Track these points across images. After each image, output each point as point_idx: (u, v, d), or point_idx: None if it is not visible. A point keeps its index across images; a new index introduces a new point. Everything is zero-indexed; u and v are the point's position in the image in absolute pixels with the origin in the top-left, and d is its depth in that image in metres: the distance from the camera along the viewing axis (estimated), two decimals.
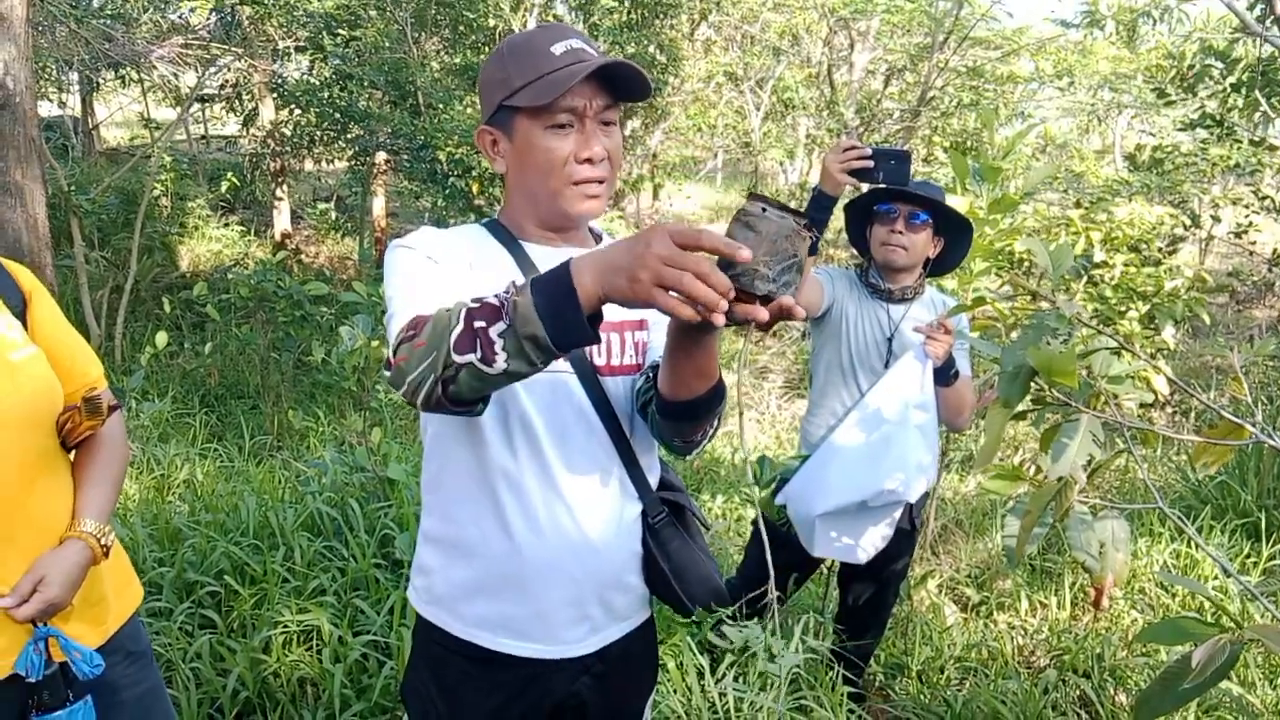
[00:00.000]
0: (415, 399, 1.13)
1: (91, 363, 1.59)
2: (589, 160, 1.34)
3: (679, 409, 1.31)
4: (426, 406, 1.14)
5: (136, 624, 1.63)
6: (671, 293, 0.96)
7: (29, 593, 1.37)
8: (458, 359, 1.06)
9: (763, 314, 1.00)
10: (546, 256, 1.42)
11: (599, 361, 1.43)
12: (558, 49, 1.32)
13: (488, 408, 1.29)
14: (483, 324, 1.05)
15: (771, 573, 1.59)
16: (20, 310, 1.49)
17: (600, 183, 1.36)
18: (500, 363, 1.05)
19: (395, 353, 1.16)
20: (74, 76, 13.23)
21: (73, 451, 1.57)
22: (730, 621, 2.74)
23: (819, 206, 2.30)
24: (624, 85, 1.35)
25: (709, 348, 1.23)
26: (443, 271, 1.34)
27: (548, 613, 1.43)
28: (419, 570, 1.54)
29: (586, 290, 1.01)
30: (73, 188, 8.13)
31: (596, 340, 1.04)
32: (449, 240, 1.41)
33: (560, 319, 1.01)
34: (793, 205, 0.99)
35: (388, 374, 1.18)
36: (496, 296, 1.07)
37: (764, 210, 1.01)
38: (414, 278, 1.33)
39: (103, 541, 1.48)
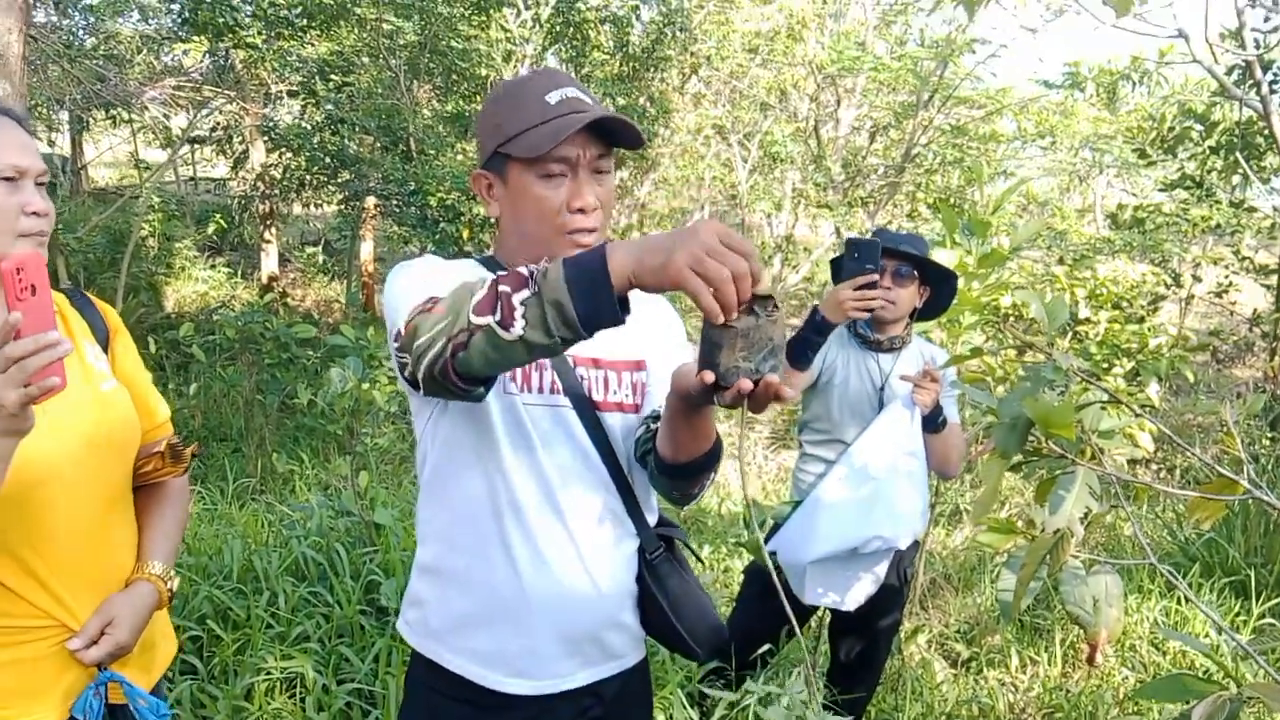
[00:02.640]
0: (419, 367, 1.14)
1: (162, 404, 1.61)
2: (581, 210, 1.35)
3: (678, 469, 1.36)
4: (429, 378, 1.14)
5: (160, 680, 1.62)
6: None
7: (97, 634, 1.35)
8: (475, 320, 1.07)
9: (747, 384, 1.04)
10: None
11: (596, 396, 1.44)
12: (553, 98, 1.34)
13: (490, 436, 1.34)
14: (507, 289, 1.06)
15: (788, 611, 1.59)
16: (105, 344, 1.51)
17: (592, 231, 1.37)
18: (518, 328, 1.05)
19: (407, 321, 1.17)
20: (64, 116, 13.27)
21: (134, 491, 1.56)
22: (723, 673, 2.72)
23: (817, 329, 2.34)
24: (617, 135, 1.37)
25: (707, 414, 1.28)
26: (451, 277, 1.34)
27: (540, 647, 1.42)
28: (412, 603, 1.52)
29: (619, 266, 1.02)
30: (60, 226, 8.12)
31: (621, 321, 1.05)
32: (450, 264, 1.44)
33: (589, 290, 1.02)
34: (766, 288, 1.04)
35: (394, 345, 1.19)
36: (526, 267, 1.07)
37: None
38: (425, 277, 1.35)
39: (169, 586, 1.48)
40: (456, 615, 1.44)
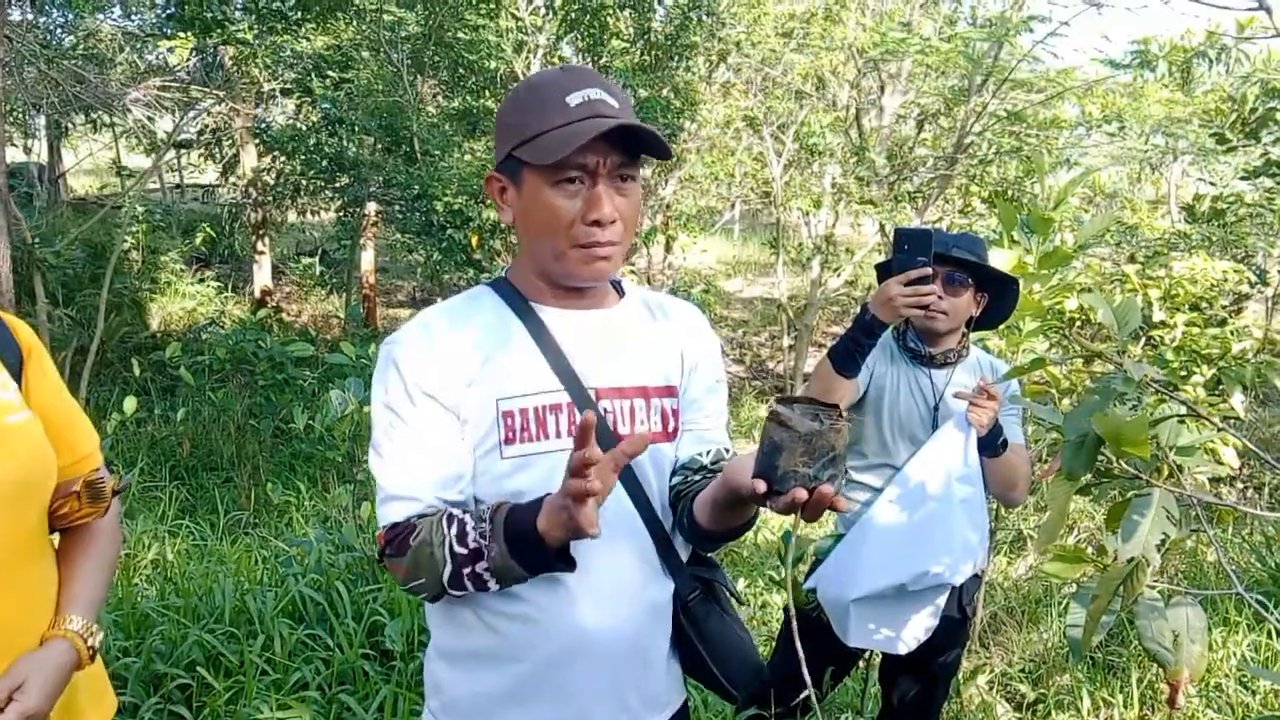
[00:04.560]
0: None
1: (88, 436, 1.53)
2: (597, 222, 1.34)
3: (712, 535, 1.42)
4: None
5: None
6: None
7: (4, 701, 1.28)
8: (456, 593, 1.34)
9: (802, 494, 1.11)
10: (564, 323, 1.43)
11: (623, 429, 1.44)
12: (574, 99, 1.33)
13: (504, 496, 1.40)
14: (469, 569, 1.29)
15: (804, 665, 1.58)
16: (17, 369, 1.43)
17: (610, 245, 1.36)
18: (494, 587, 1.31)
19: (383, 556, 1.39)
20: (41, 121, 13.50)
21: (56, 534, 1.49)
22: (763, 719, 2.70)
23: (866, 331, 2.28)
24: (644, 142, 1.35)
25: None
26: (426, 424, 1.37)
27: (590, 707, 1.44)
28: (434, 691, 1.52)
29: (552, 540, 1.24)
30: (37, 240, 8.26)
31: (572, 568, 1.29)
32: (446, 345, 1.40)
33: (535, 567, 1.28)
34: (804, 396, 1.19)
35: (378, 545, 1.41)
36: (473, 541, 1.29)
37: (795, 411, 1.14)
38: (394, 433, 1.40)
39: (90, 643, 1.40)
40: (488, 692, 1.44)
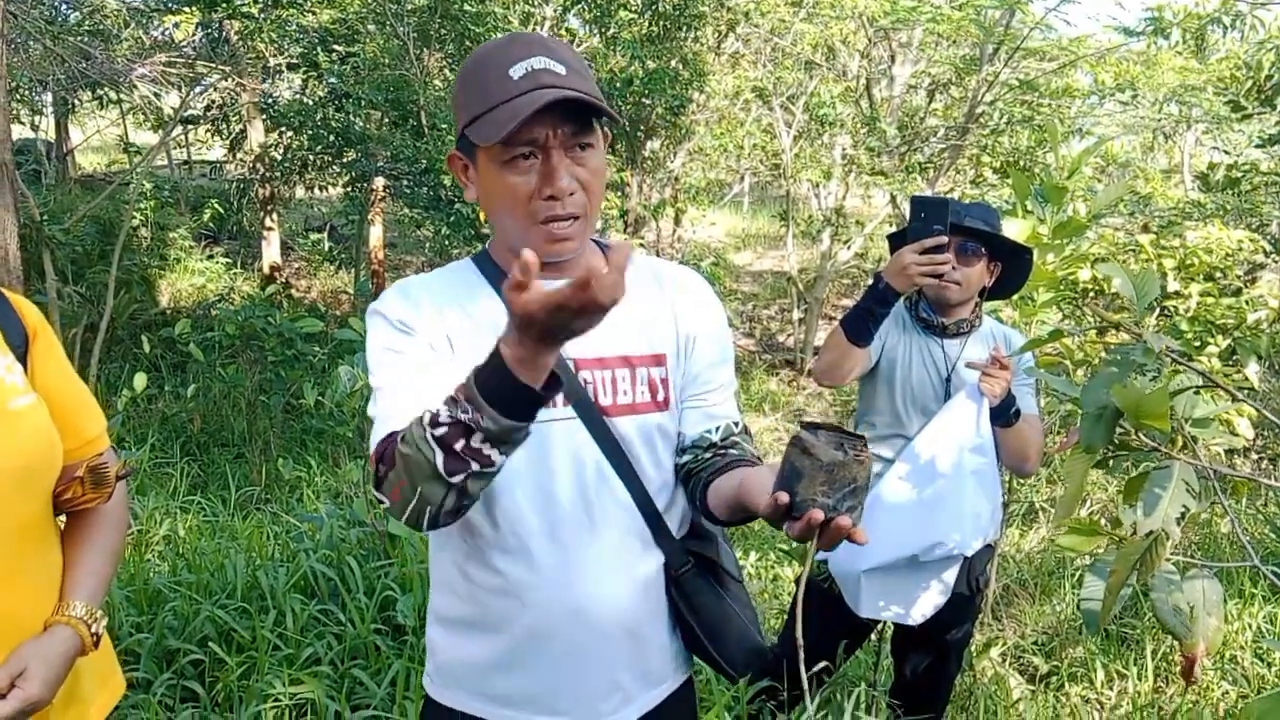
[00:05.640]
0: (422, 527, 1.25)
1: (94, 417, 1.51)
2: (553, 197, 1.31)
3: (726, 521, 1.43)
4: (435, 526, 1.25)
5: None
6: None
7: (6, 688, 1.28)
8: (456, 480, 1.18)
9: (818, 515, 1.09)
10: None
11: (604, 400, 1.41)
12: (517, 71, 1.28)
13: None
14: (462, 443, 1.15)
15: (799, 642, 1.57)
16: (22, 350, 1.41)
17: (571, 219, 1.33)
18: (498, 458, 1.17)
19: (379, 485, 1.29)
20: (48, 98, 13.47)
21: (62, 517, 1.49)
22: (775, 693, 2.70)
23: (880, 299, 2.28)
24: (596, 107, 1.31)
25: None
26: (412, 354, 1.36)
27: (580, 681, 1.43)
28: (431, 654, 1.54)
29: (520, 361, 1.10)
30: (45, 217, 8.24)
31: (559, 388, 1.16)
32: (426, 303, 1.40)
33: (521, 409, 1.13)
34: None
35: (381, 500, 1.29)
36: (454, 411, 1.15)
37: (820, 438, 1.11)
38: (386, 369, 1.36)
39: (93, 629, 1.39)
40: (482, 660, 1.45)
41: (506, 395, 1.11)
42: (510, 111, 1.26)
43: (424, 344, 1.36)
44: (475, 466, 1.16)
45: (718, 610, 1.49)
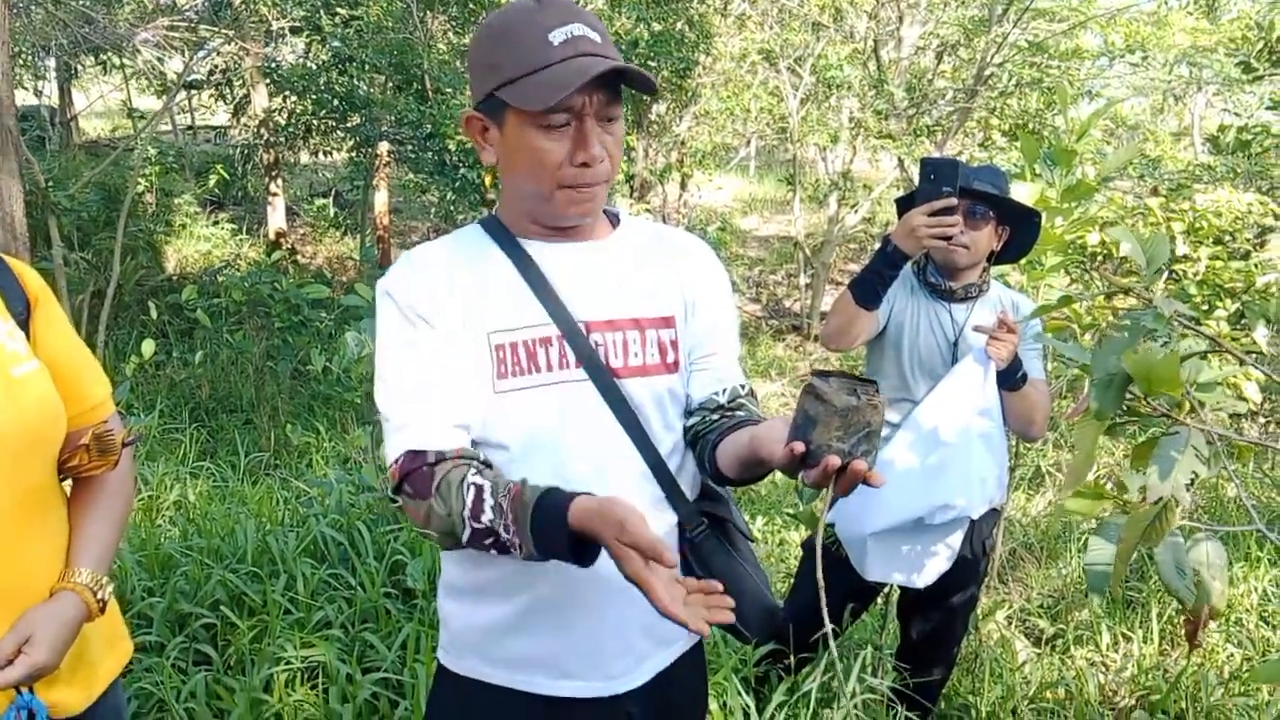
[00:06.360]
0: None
1: (98, 383, 1.51)
2: (585, 164, 1.32)
3: (734, 481, 1.42)
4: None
5: (117, 685, 1.56)
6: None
7: (13, 654, 1.28)
8: (476, 547, 1.31)
9: (835, 461, 1.10)
10: (551, 257, 1.42)
11: (615, 363, 1.42)
12: (557, 36, 1.28)
13: (497, 430, 1.40)
14: (492, 540, 1.28)
15: (824, 601, 1.58)
16: (24, 317, 1.41)
17: (595, 185, 1.34)
18: (518, 554, 1.27)
19: (398, 491, 1.36)
20: (51, 63, 13.41)
21: (67, 482, 1.49)
22: (782, 656, 2.72)
23: (889, 262, 2.26)
24: (627, 78, 1.32)
25: None
26: (426, 349, 1.37)
27: (592, 643, 1.44)
28: (444, 625, 1.55)
29: (582, 539, 1.21)
30: (50, 183, 8.22)
31: (595, 559, 1.24)
32: (435, 274, 1.40)
33: (560, 556, 1.24)
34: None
35: (389, 485, 1.35)
36: (497, 521, 1.26)
37: (832, 385, 1.12)
38: (398, 365, 1.38)
39: (99, 595, 1.39)
40: (495, 624, 1.46)
41: (553, 544, 1.22)
42: (558, 77, 1.25)
43: (439, 337, 1.36)
44: (495, 553, 1.29)
45: (731, 571, 1.49)
